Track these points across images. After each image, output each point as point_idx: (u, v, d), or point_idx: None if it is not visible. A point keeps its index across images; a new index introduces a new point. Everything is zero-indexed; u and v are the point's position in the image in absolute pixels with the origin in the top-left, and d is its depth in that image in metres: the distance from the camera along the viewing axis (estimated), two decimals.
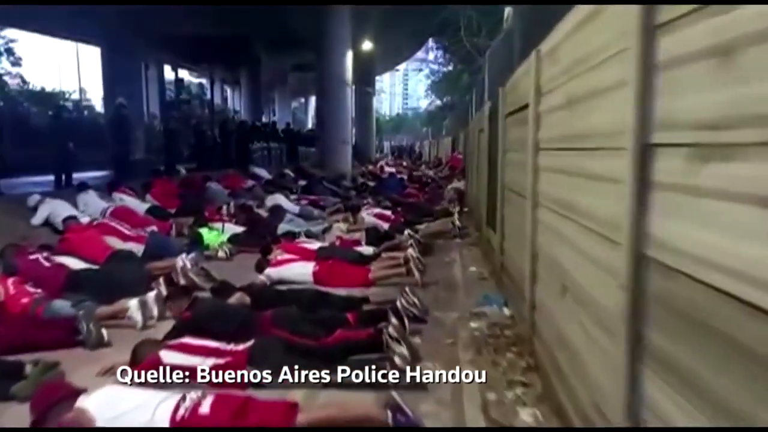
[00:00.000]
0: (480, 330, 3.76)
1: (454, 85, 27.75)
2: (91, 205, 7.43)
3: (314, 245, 6.04)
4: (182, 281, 4.79)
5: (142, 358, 3.00)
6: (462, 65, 23.32)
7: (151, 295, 4.04)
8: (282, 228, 7.29)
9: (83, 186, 8.02)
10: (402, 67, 53.98)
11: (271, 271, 5.20)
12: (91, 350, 3.50)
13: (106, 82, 20.62)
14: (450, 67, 29.17)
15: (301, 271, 5.22)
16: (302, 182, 13.15)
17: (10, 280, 4.16)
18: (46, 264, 4.71)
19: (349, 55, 17.69)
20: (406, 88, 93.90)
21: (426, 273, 5.32)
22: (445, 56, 28.73)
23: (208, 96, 30.00)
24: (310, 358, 3.08)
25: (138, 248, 5.91)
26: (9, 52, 26.51)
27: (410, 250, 5.65)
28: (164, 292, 4.21)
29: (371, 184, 14.31)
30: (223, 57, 26.35)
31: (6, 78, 25.81)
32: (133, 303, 3.91)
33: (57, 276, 4.53)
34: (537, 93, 3.10)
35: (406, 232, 6.38)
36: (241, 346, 3.04)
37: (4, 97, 21.04)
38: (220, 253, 6.38)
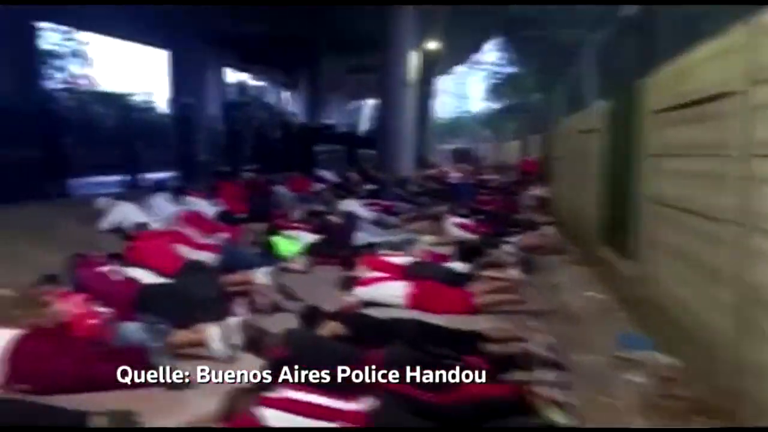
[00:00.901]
0: (642, 386, 2.94)
1: (522, 86, 26.54)
2: (161, 210, 6.99)
3: (402, 260, 5.33)
4: (262, 301, 4.22)
5: (235, 412, 2.37)
6: (535, 64, 22.04)
7: (233, 320, 3.45)
8: (360, 238, 6.64)
9: (160, 186, 7.64)
10: (457, 69, 52.47)
11: (360, 291, 4.53)
12: (167, 390, 2.92)
13: (172, 83, 20.92)
14: (514, 68, 27.90)
15: (393, 292, 4.51)
16: (369, 186, 12.47)
17: (75, 297, 3.65)
18: (115, 277, 4.21)
19: (413, 57, 17.01)
20: (461, 90, 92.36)
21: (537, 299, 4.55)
22: (509, 56, 27.53)
23: (268, 98, 30.03)
24: (443, 423, 2.38)
25: (210, 258, 5.40)
26: (80, 54, 27.30)
27: (516, 271, 4.90)
28: (248, 316, 3.62)
29: (441, 188, 13.51)
30: (284, 59, 26.28)
31: (77, 79, 26.59)
32: (213, 331, 3.31)
33: (127, 292, 4.01)
34: (751, 78, 2.30)
35: (506, 247, 5.59)
36: (358, 405, 2.36)
37: (72, 98, 21.57)
38: (296, 265, 5.79)
